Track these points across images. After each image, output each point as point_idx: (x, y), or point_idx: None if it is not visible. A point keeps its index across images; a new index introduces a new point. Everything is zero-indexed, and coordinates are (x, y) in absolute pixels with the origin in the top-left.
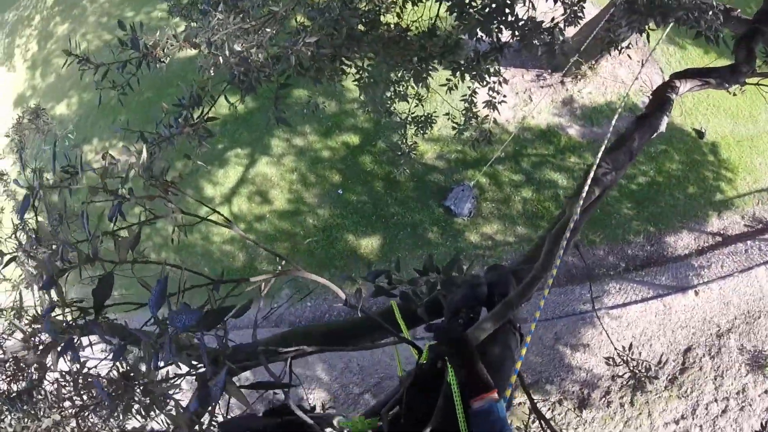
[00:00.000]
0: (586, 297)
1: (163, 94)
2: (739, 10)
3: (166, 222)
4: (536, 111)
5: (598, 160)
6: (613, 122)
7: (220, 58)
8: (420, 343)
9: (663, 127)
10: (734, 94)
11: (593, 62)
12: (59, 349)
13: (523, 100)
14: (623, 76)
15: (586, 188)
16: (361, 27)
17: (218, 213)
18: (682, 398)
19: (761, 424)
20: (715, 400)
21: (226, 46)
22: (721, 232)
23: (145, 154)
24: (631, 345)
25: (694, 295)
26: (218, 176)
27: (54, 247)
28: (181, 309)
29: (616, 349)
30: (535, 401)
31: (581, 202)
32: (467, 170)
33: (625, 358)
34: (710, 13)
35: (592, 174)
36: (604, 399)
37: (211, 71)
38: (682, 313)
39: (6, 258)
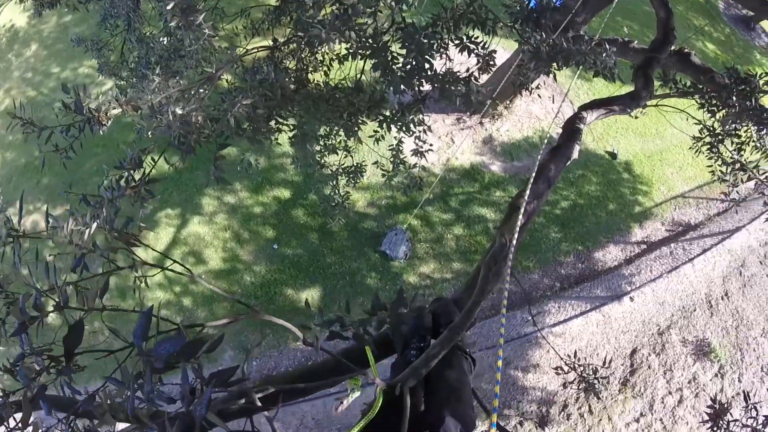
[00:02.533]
0: (528, 320)
1: (88, 155)
2: (636, 41)
3: (130, 272)
4: (459, 152)
5: (524, 193)
6: (539, 158)
7: (163, 120)
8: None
9: (576, 154)
10: (636, 117)
11: (508, 102)
12: (31, 397)
13: (446, 143)
14: (536, 112)
15: (519, 221)
16: (291, 86)
17: (179, 263)
18: (638, 397)
19: (711, 398)
20: (670, 393)
21: (168, 110)
22: (645, 240)
23: (105, 212)
24: (575, 353)
25: (630, 301)
26: (149, 238)
27: (21, 295)
28: (165, 339)
29: (562, 358)
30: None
31: (517, 228)
32: (399, 214)
33: (572, 365)
34: (604, 55)
35: (522, 207)
36: (563, 413)
37: (149, 134)
38: (622, 320)
39: None
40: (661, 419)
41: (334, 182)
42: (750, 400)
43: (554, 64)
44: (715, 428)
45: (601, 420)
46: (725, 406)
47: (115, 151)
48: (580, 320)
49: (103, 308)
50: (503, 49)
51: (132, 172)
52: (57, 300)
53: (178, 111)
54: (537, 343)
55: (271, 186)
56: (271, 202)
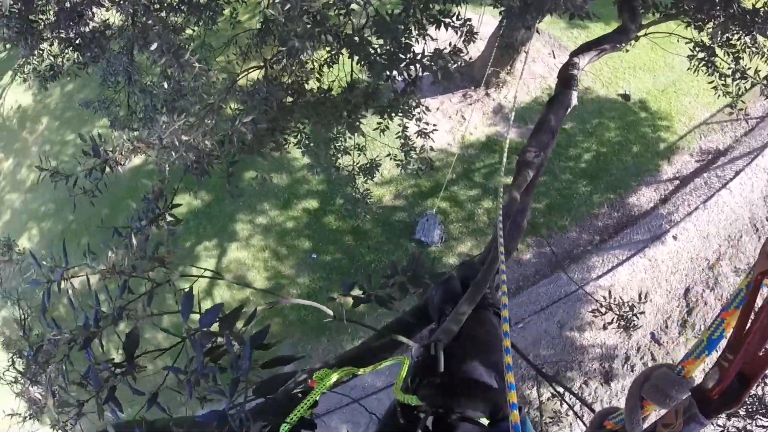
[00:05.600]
0: (575, 278)
1: (117, 209)
2: None
3: (168, 288)
4: (472, 127)
5: (529, 147)
6: (511, 118)
7: (173, 152)
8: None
9: (574, 101)
10: (627, 51)
11: (509, 68)
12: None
13: (458, 121)
14: (540, 71)
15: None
16: (289, 99)
17: (209, 270)
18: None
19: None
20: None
21: (176, 140)
22: (677, 175)
23: (136, 241)
24: (610, 292)
25: (674, 240)
26: (193, 272)
27: (85, 314)
28: (206, 311)
29: (596, 301)
30: (562, 391)
31: (515, 183)
32: (426, 200)
33: (608, 305)
34: None
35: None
36: (626, 366)
37: (167, 168)
38: (669, 261)
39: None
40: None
41: (353, 183)
42: None
43: (529, 17)
44: None
45: None
46: None
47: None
48: (626, 268)
49: (152, 314)
50: (492, 17)
51: (156, 202)
52: (113, 314)
53: (185, 138)
54: (588, 300)
55: (298, 199)
56: (302, 214)
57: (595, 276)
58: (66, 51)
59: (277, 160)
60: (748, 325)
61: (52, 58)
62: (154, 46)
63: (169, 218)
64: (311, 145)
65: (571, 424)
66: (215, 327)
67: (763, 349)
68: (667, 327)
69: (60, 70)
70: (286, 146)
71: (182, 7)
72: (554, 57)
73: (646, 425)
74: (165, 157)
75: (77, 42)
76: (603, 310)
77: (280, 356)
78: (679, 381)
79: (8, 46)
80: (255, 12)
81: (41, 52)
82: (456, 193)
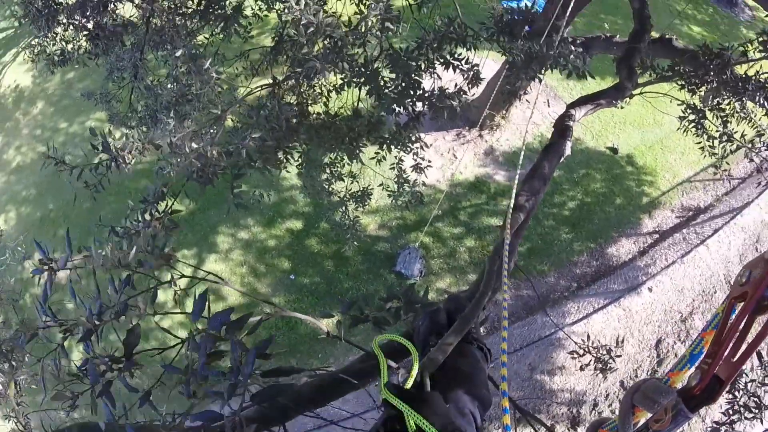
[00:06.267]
0: (549, 322)
1: (102, 203)
2: (618, 35)
3: (169, 288)
4: (462, 166)
5: (522, 191)
6: (521, 160)
7: (182, 157)
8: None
9: (568, 151)
10: (622, 107)
11: (504, 112)
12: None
13: (449, 159)
14: (534, 118)
15: (520, 217)
16: (294, 120)
17: (213, 274)
18: None
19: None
20: None
21: (185, 146)
22: (657, 229)
23: (143, 238)
24: (588, 336)
25: (649, 292)
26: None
27: (87, 305)
28: (216, 314)
29: (576, 343)
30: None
31: (508, 225)
32: (410, 234)
33: (586, 348)
34: (571, 56)
35: (513, 202)
36: (593, 412)
37: (170, 172)
38: (643, 311)
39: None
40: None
41: (344, 208)
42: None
43: (531, 71)
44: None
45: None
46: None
47: (129, 198)
48: (601, 316)
49: (154, 312)
50: (493, 61)
51: (155, 204)
52: (116, 309)
53: (194, 146)
54: (560, 345)
55: (283, 219)
56: (284, 234)
57: (570, 321)
58: (80, 38)
59: (269, 177)
60: (723, 335)
61: (63, 43)
62: (179, 52)
63: (167, 222)
64: (309, 167)
65: None
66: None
67: (735, 358)
68: (637, 376)
69: (70, 57)
70: (287, 165)
71: (207, 14)
72: (549, 105)
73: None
74: (173, 161)
75: (96, 32)
76: (581, 351)
77: (282, 367)
78: (666, 389)
79: (19, 23)
80: (265, 29)
81: (55, 35)
82: (440, 230)
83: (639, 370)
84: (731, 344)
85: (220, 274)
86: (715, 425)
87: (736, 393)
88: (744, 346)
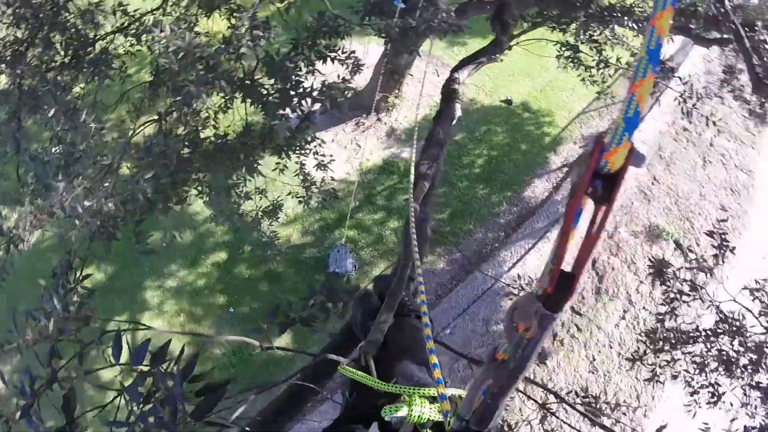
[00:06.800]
0: (488, 275)
1: (15, 292)
2: None
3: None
4: (368, 153)
5: (423, 160)
6: (415, 135)
7: (77, 220)
8: None
9: (458, 112)
10: (502, 60)
11: (396, 91)
12: None
13: (353, 150)
14: (427, 90)
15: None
16: (186, 150)
17: (136, 322)
18: (615, 298)
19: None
20: (641, 282)
21: (78, 206)
22: (565, 163)
23: (59, 304)
24: (519, 275)
25: None
26: (109, 350)
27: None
28: (136, 349)
29: (514, 279)
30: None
31: (414, 195)
32: (333, 232)
33: (519, 288)
34: (440, 16)
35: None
36: (555, 342)
37: (72, 237)
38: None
39: None
40: (643, 307)
41: (258, 227)
42: (685, 250)
43: (409, 42)
44: (659, 280)
45: (591, 332)
46: (664, 261)
47: (41, 278)
48: (534, 255)
49: (85, 373)
50: (378, 45)
51: (66, 276)
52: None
53: (87, 203)
54: (505, 293)
55: (206, 254)
56: (212, 269)
57: (506, 269)
58: None
59: (179, 217)
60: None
61: None
62: (52, 112)
63: (81, 290)
64: (212, 194)
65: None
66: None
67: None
68: (583, 298)
69: None
70: (188, 199)
71: (77, 64)
72: (438, 75)
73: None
74: (69, 226)
75: None
76: (517, 292)
77: (210, 383)
78: (533, 299)
79: None
80: (143, 64)
81: None
82: (362, 220)
83: (584, 292)
84: (569, 240)
85: (158, 328)
86: (659, 316)
87: (668, 283)
88: (587, 239)
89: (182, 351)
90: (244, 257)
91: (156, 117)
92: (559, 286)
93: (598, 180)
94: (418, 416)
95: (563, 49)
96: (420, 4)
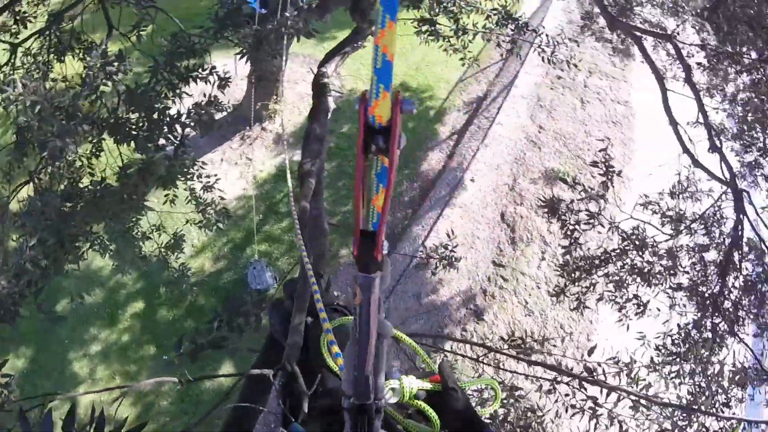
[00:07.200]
0: (408, 251)
1: None
2: None
3: None
4: (260, 164)
5: (304, 160)
6: (283, 136)
7: None
8: None
9: (332, 105)
10: (365, 46)
11: (275, 97)
12: None
13: (245, 163)
14: (305, 90)
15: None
16: (67, 204)
17: (56, 393)
18: (530, 243)
19: (542, 198)
20: (550, 222)
21: None
22: (453, 131)
23: None
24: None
25: (472, 183)
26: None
27: None
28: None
29: (428, 253)
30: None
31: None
32: (245, 251)
33: (429, 254)
34: (294, 18)
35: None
36: (486, 297)
37: None
38: (476, 200)
39: None
40: (558, 244)
41: (167, 264)
42: (571, 183)
43: (267, 46)
44: (553, 216)
45: (517, 279)
46: (554, 198)
47: None
48: (443, 222)
49: None
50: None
51: None
52: None
53: None
54: (426, 266)
55: (123, 308)
56: (133, 321)
57: (420, 243)
58: None
59: (85, 277)
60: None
61: None
62: None
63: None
64: (108, 244)
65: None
66: None
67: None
68: (501, 251)
69: None
70: (84, 255)
71: None
72: (312, 73)
73: None
74: None
75: None
76: (426, 262)
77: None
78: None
79: None
80: (7, 125)
81: None
82: (270, 232)
83: (501, 244)
84: (360, 200)
85: (96, 401)
86: (564, 248)
87: (564, 217)
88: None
89: (102, 413)
90: (162, 300)
91: (27, 178)
92: (363, 246)
93: (379, 135)
94: (410, 391)
95: (420, 25)
96: (278, 6)
